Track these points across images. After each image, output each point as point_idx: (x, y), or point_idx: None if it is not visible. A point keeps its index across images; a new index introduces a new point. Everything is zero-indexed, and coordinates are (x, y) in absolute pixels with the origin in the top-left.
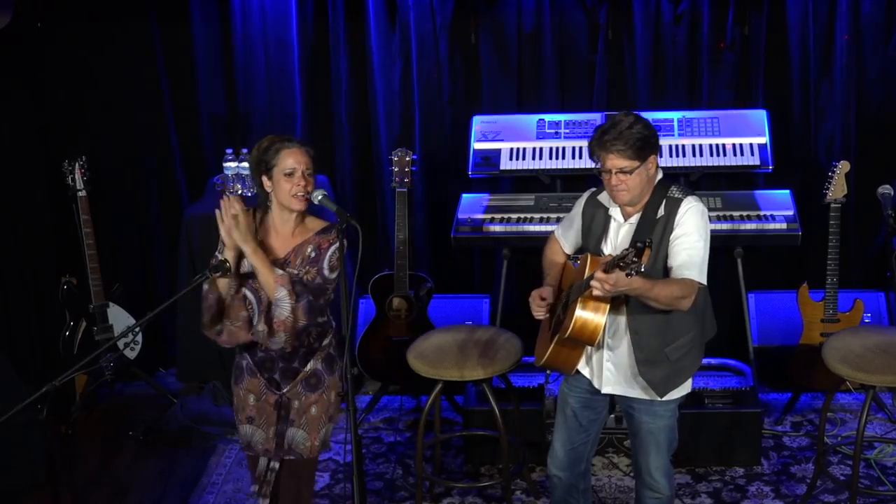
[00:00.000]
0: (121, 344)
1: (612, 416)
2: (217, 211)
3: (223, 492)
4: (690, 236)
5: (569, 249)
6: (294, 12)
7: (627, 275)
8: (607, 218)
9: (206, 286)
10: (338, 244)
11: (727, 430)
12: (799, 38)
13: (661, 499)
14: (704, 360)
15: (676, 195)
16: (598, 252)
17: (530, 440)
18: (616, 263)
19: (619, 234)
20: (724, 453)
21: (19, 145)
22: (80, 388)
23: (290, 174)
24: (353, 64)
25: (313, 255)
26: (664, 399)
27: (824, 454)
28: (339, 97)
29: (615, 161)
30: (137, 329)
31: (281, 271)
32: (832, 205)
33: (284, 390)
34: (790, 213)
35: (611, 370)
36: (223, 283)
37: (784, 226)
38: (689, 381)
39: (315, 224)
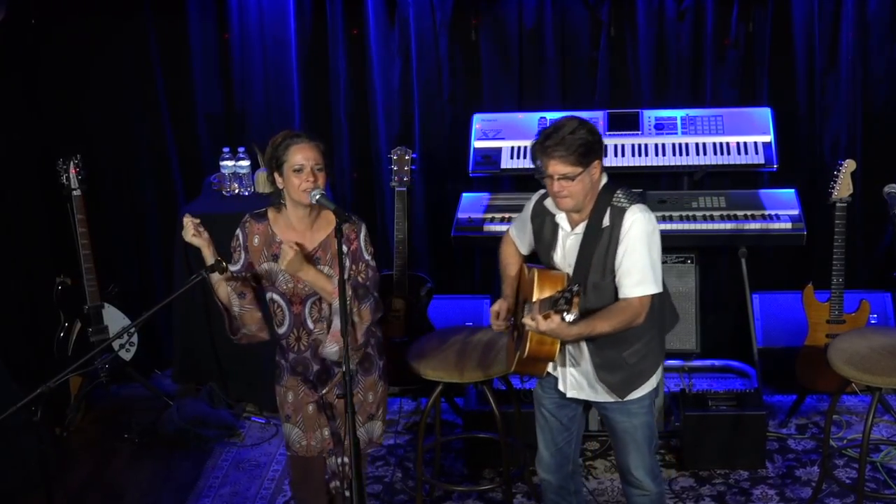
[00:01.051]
0: (116, 345)
1: None
2: (189, 223)
3: (220, 495)
4: (637, 250)
5: (524, 250)
6: (292, 9)
7: (562, 319)
8: (555, 226)
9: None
10: (364, 228)
11: (731, 432)
12: (804, 35)
13: (648, 496)
14: (708, 362)
15: (622, 203)
16: (549, 260)
17: (531, 443)
18: (550, 306)
19: (566, 244)
20: (728, 456)
21: (13, 144)
22: (75, 390)
23: (299, 170)
24: (351, 61)
25: (345, 249)
26: (634, 398)
27: (830, 457)
28: (337, 95)
29: (557, 167)
30: (133, 330)
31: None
32: (838, 204)
33: (322, 392)
34: (795, 212)
35: (574, 374)
36: (223, 293)
37: (789, 225)
38: (655, 376)
39: (332, 215)
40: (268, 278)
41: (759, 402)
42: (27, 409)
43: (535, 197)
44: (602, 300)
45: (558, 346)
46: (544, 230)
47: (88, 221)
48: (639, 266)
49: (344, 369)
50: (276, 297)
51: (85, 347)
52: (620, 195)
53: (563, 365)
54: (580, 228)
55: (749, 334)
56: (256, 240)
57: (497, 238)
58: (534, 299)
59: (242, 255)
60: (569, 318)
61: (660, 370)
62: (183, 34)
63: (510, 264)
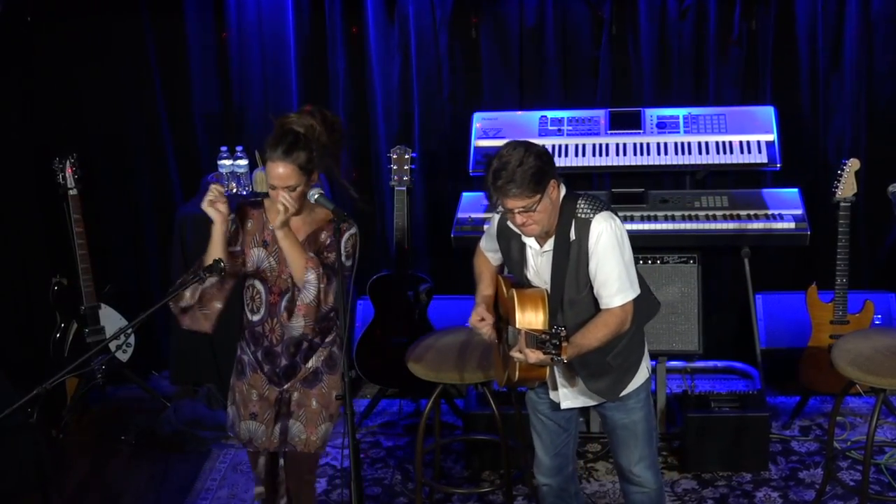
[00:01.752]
0: (112, 346)
1: None
2: (215, 189)
3: (217, 498)
4: (608, 261)
5: (496, 262)
6: (290, 7)
7: (552, 359)
8: (522, 246)
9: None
10: (353, 230)
11: (734, 434)
12: (807, 33)
13: (647, 493)
14: (710, 363)
15: (585, 215)
16: (521, 276)
17: (532, 444)
18: (538, 345)
19: (538, 262)
20: (731, 458)
21: (9, 143)
22: (71, 392)
23: (273, 186)
24: (350, 59)
25: (329, 241)
26: (628, 392)
27: (833, 459)
28: (336, 93)
29: (514, 202)
30: (129, 331)
31: (311, 254)
32: (842, 203)
33: (285, 386)
34: (798, 212)
35: (565, 386)
36: (216, 250)
37: (792, 225)
38: (644, 367)
39: (325, 213)
40: (252, 263)
41: (762, 403)
42: (23, 410)
43: (497, 215)
44: (581, 314)
45: (547, 369)
46: (512, 249)
47: (85, 221)
48: (615, 275)
49: (344, 369)
50: (257, 283)
51: (81, 348)
52: (583, 205)
53: (554, 378)
54: (548, 246)
55: (752, 335)
56: (250, 224)
57: None
58: (517, 324)
59: (240, 236)
60: (559, 360)
61: (646, 359)
62: (180, 32)
63: (484, 278)
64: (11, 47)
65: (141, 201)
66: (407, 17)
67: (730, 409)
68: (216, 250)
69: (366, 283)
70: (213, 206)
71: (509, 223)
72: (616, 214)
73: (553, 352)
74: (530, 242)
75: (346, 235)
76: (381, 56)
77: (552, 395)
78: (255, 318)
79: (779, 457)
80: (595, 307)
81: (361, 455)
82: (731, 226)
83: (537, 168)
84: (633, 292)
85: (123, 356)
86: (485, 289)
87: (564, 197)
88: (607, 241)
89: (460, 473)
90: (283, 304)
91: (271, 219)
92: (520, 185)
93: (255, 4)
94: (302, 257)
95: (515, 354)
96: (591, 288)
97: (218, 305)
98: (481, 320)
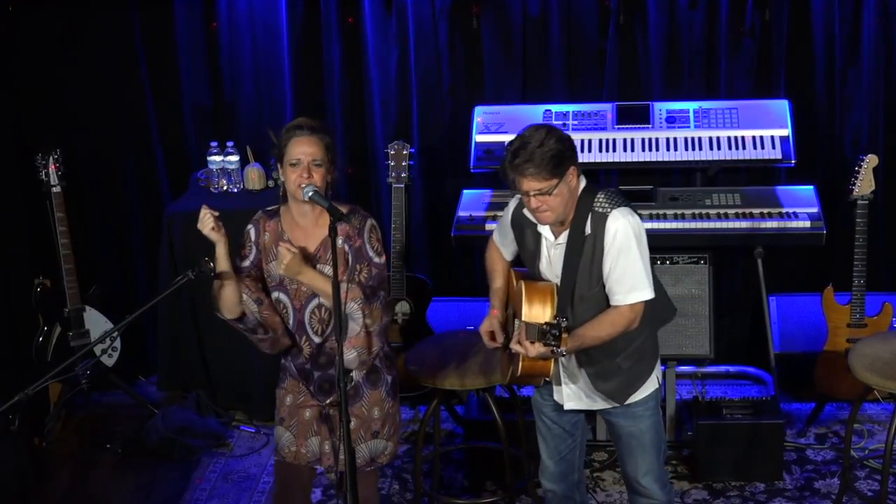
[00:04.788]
0: (98, 350)
1: None
2: (209, 214)
3: None
4: (624, 258)
5: (509, 256)
6: None
7: (552, 351)
8: (537, 235)
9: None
10: (370, 222)
11: (747, 442)
12: (823, 23)
13: None
14: (722, 368)
15: (603, 209)
16: (534, 268)
17: (535, 453)
18: (538, 336)
19: (551, 254)
20: (744, 467)
21: None
22: (55, 398)
23: (295, 164)
24: (346, 50)
25: (347, 247)
26: (636, 400)
27: (850, 468)
28: (331, 86)
29: (531, 184)
30: (115, 334)
31: (350, 284)
32: (859, 201)
33: (327, 402)
34: (814, 210)
35: (570, 387)
36: (231, 298)
37: (807, 224)
38: (655, 376)
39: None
40: (273, 277)
41: (776, 410)
42: (4, 417)
43: (512, 203)
44: (590, 311)
45: (552, 365)
46: (526, 240)
47: (69, 219)
48: (629, 273)
49: (339, 373)
50: (281, 296)
51: (65, 352)
52: (601, 199)
53: (559, 378)
54: (563, 238)
55: (765, 339)
56: (267, 236)
57: None
58: (522, 317)
59: (253, 251)
60: (559, 351)
61: (657, 368)
62: (169, 22)
63: (496, 271)
64: None
65: (127, 199)
66: (405, 7)
67: (742, 416)
68: (224, 267)
69: None
70: (214, 231)
71: (524, 211)
72: (636, 211)
73: (553, 343)
74: (545, 233)
75: (367, 230)
76: (378, 47)
77: (556, 394)
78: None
79: (793, 466)
80: (606, 305)
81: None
82: (743, 224)
83: (557, 151)
84: (647, 293)
85: (109, 361)
86: (497, 283)
87: (583, 189)
88: (624, 237)
89: (461, 483)
90: (308, 315)
91: (286, 228)
92: (538, 166)
93: None
94: (328, 285)
95: (515, 346)
96: (604, 285)
97: (278, 318)
98: (491, 339)
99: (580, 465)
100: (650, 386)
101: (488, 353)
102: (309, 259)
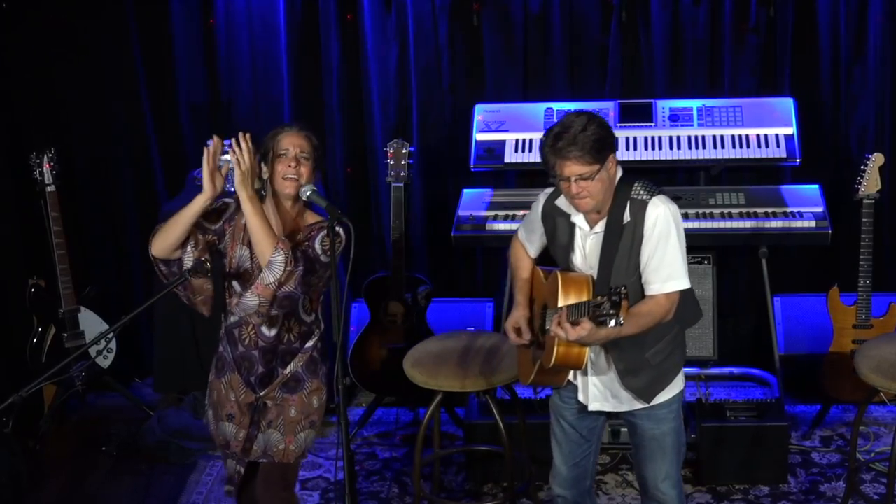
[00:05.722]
0: (93, 351)
1: (625, 430)
2: (207, 150)
3: None
4: (662, 246)
5: (534, 253)
6: None
7: (601, 323)
8: (571, 226)
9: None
10: (325, 231)
11: (751, 445)
12: (829, 20)
13: None
14: (726, 370)
15: (641, 196)
16: (567, 262)
17: (537, 456)
18: (587, 312)
19: (586, 245)
20: (748, 470)
21: None
22: (49, 400)
23: (283, 155)
24: (345, 48)
25: (303, 237)
26: (661, 401)
27: (856, 471)
28: (329, 84)
29: (573, 168)
30: (111, 335)
31: (282, 237)
32: (865, 200)
33: (261, 393)
34: (819, 209)
35: (596, 385)
36: (175, 235)
37: (813, 223)
38: (680, 377)
39: (313, 218)
40: (235, 261)
41: (780, 412)
42: None
43: (542, 197)
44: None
45: (587, 352)
46: (559, 232)
47: (63, 219)
48: (667, 261)
49: (338, 374)
50: (235, 284)
51: (59, 354)
52: (639, 187)
53: (585, 374)
54: (600, 227)
55: (770, 340)
56: (244, 219)
57: (500, 237)
58: (559, 304)
59: (223, 220)
60: (612, 323)
61: (682, 369)
62: (165, 18)
63: (522, 268)
64: None
65: (123, 198)
66: (405, 4)
67: (746, 419)
68: (185, 221)
69: (361, 285)
70: (213, 178)
71: (557, 202)
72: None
73: (611, 312)
74: (580, 223)
75: (322, 234)
76: (378, 44)
77: (580, 394)
78: (233, 319)
79: (798, 469)
80: (640, 297)
81: (356, 467)
82: (747, 224)
83: (599, 136)
84: (684, 282)
85: (104, 362)
86: (524, 275)
87: (621, 178)
88: (665, 224)
89: (461, 486)
90: None
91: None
92: (581, 149)
93: None
94: (269, 232)
95: (555, 328)
96: (640, 276)
97: (209, 287)
98: (517, 335)
99: (593, 472)
100: (676, 387)
101: (489, 355)
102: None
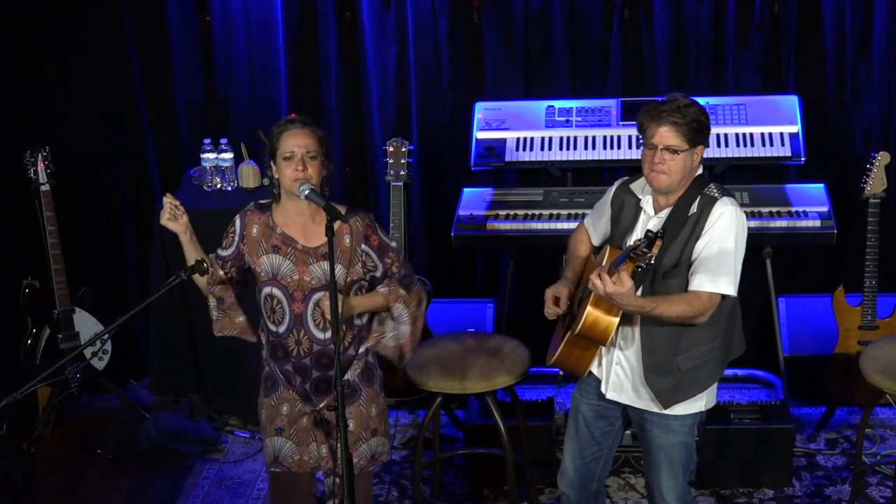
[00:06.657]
0: (88, 353)
1: (629, 432)
2: (169, 204)
3: None
4: (719, 243)
5: (597, 240)
6: None
7: (638, 268)
8: (638, 209)
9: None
10: (370, 217)
11: (755, 447)
12: (834, 17)
13: None
14: (730, 371)
15: (713, 194)
16: (623, 244)
17: (538, 459)
18: (627, 256)
19: (646, 228)
20: (752, 473)
21: None
22: (44, 402)
23: (289, 158)
24: (343, 45)
25: (365, 246)
26: (676, 413)
27: (862, 474)
28: (328, 82)
29: (665, 135)
30: (106, 336)
31: (385, 288)
32: (871, 200)
33: (319, 406)
34: (824, 209)
35: (619, 374)
36: (204, 289)
37: (818, 223)
38: (704, 397)
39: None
40: (266, 272)
41: (785, 414)
42: None
43: (616, 183)
44: (668, 291)
45: (615, 327)
46: (624, 213)
47: (58, 219)
48: (718, 260)
49: (337, 374)
50: (275, 291)
51: (54, 355)
52: (713, 187)
53: (611, 362)
54: (664, 213)
55: (774, 341)
56: (255, 230)
57: (501, 237)
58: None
59: (235, 243)
60: (649, 257)
61: (712, 391)
62: (161, 16)
63: (580, 249)
64: None
65: (118, 197)
66: (404, 1)
67: (750, 421)
68: (191, 257)
69: None
70: (170, 221)
71: (632, 185)
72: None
73: (644, 250)
74: (647, 206)
75: (373, 222)
76: (377, 42)
77: (602, 385)
78: (280, 329)
79: (803, 472)
80: (685, 290)
81: (355, 470)
82: (752, 224)
83: (699, 120)
84: (728, 287)
85: (99, 364)
86: (581, 253)
87: (698, 176)
88: (728, 223)
89: (461, 490)
90: (310, 308)
91: (279, 223)
92: (682, 118)
93: None
94: (379, 299)
95: (594, 279)
96: (689, 267)
97: (239, 319)
98: (554, 303)
99: (601, 476)
100: (696, 404)
101: (490, 356)
102: (311, 254)
